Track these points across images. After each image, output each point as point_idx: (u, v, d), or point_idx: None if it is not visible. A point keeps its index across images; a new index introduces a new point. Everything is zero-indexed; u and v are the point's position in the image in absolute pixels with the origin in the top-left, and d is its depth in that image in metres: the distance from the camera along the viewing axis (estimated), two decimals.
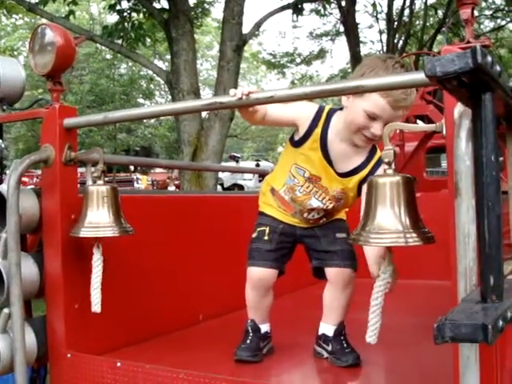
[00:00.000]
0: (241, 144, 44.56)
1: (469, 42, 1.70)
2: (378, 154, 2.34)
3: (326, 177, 2.35)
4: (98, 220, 2.28)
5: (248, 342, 2.45)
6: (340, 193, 2.38)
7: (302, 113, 2.34)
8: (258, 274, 2.44)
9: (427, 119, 6.07)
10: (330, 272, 2.42)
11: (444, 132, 1.71)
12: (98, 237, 2.30)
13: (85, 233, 2.27)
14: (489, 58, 0.97)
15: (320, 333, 2.46)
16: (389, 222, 1.70)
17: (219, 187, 19.00)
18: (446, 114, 1.66)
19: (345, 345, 2.39)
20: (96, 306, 2.29)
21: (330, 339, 2.41)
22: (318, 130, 2.32)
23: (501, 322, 1.03)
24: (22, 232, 2.38)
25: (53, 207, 2.42)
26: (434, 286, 3.12)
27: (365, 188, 2.13)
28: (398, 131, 5.84)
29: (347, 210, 2.53)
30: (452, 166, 1.54)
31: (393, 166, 1.76)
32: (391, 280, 1.87)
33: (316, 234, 2.46)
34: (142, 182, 23.56)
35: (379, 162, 2.30)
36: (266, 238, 2.47)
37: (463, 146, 1.47)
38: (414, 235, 1.69)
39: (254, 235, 2.50)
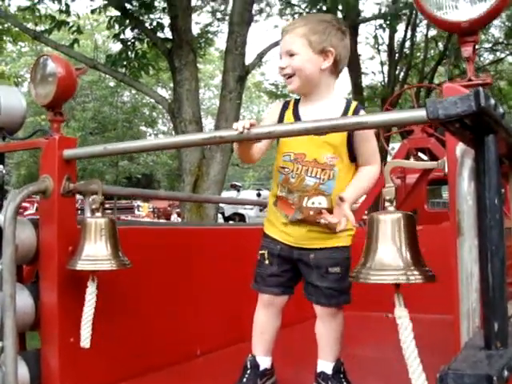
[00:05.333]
0: (242, 173, 44.60)
1: (470, 80, 1.69)
2: (354, 104, 2.42)
3: (310, 147, 2.35)
4: (96, 253, 2.25)
5: (245, 380, 2.41)
6: (331, 158, 2.34)
7: (274, 113, 2.47)
8: (266, 298, 2.46)
9: (429, 152, 6.06)
10: (317, 308, 2.41)
11: (446, 170, 1.69)
12: (96, 270, 2.27)
13: (82, 265, 2.24)
14: (492, 101, 0.96)
15: (319, 370, 2.42)
16: (390, 260, 1.69)
17: (220, 216, 18.98)
18: (447, 152, 1.65)
19: (344, 383, 2.35)
20: (85, 341, 2.24)
21: (329, 377, 2.37)
22: (289, 110, 2.45)
23: (506, 372, 0.99)
24: (19, 263, 2.34)
25: (50, 238, 2.39)
26: (435, 321, 3.08)
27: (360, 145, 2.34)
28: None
29: (352, 232, 2.45)
30: (454, 204, 1.52)
31: (394, 203, 1.74)
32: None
33: (310, 263, 2.40)
34: (143, 210, 23.55)
35: (357, 110, 2.39)
36: (266, 262, 2.47)
37: (465, 186, 1.45)
38: (416, 273, 1.68)
39: (258, 258, 2.51)
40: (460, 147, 1.54)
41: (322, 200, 2.36)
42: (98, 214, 2.31)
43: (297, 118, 2.41)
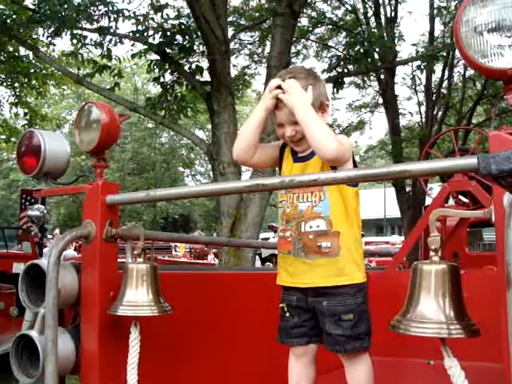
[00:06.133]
0: None
1: None
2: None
3: (293, 166, 2.49)
4: (137, 299, 2.26)
5: None
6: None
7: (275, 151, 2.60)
8: (295, 350, 2.46)
9: (469, 195, 5.98)
10: (338, 356, 2.41)
11: (493, 219, 1.66)
12: (137, 315, 2.28)
13: (123, 311, 2.25)
14: None
15: None
16: (432, 312, 1.66)
17: (257, 257, 18.93)
18: (494, 201, 1.62)
19: None
20: None
21: None
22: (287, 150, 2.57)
23: None
24: (60, 307, 2.36)
25: (92, 283, 2.41)
26: (481, 369, 3.00)
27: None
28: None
29: (363, 267, 2.44)
30: (502, 254, 1.49)
31: (439, 253, 1.71)
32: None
33: (323, 310, 2.38)
34: (180, 250, 23.58)
35: None
36: (287, 314, 2.48)
37: None
38: (458, 327, 1.64)
39: (279, 311, 2.52)
40: (507, 196, 1.51)
41: (320, 222, 2.37)
42: (140, 260, 2.33)
43: (294, 155, 2.52)
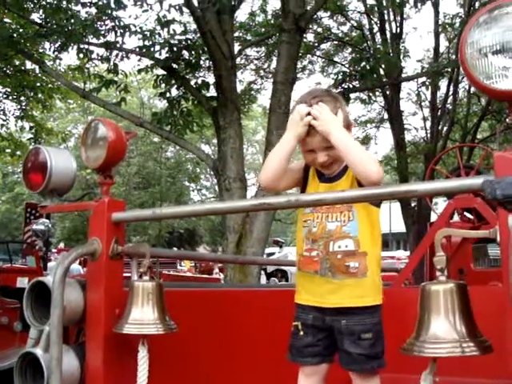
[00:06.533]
0: (284, 228, 44.53)
1: None
2: None
3: (319, 186, 2.44)
4: (143, 316, 2.26)
5: None
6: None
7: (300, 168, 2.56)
8: (306, 369, 2.42)
9: (475, 212, 5.97)
10: (351, 374, 2.38)
11: (498, 239, 1.66)
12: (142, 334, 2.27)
13: (128, 329, 2.26)
14: None
15: None
16: (444, 332, 1.66)
17: (262, 272, 18.89)
18: (499, 222, 1.62)
19: None
20: None
21: None
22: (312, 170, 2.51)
23: None
24: (65, 324, 2.36)
25: (97, 301, 2.41)
26: None
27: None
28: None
29: (381, 288, 2.43)
30: (507, 274, 1.49)
31: (445, 272, 1.72)
32: None
33: (341, 329, 2.36)
34: (185, 265, 23.57)
35: None
36: (301, 333, 2.43)
37: None
38: (471, 344, 1.65)
39: (292, 329, 2.47)
40: None
41: (349, 242, 2.35)
42: (146, 278, 2.33)
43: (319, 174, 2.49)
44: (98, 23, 10.26)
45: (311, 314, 2.42)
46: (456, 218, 6.81)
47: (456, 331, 1.64)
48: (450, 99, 18.74)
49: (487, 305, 2.38)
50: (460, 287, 1.71)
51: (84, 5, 10.42)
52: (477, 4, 16.02)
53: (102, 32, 10.30)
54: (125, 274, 2.55)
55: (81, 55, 10.53)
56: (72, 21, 9.97)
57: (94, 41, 10.50)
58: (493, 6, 1.68)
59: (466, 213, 6.57)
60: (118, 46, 10.45)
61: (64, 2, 10.17)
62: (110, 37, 10.34)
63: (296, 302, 2.50)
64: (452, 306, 1.67)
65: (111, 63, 10.67)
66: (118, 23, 10.28)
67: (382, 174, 2.28)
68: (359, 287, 2.35)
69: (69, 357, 2.39)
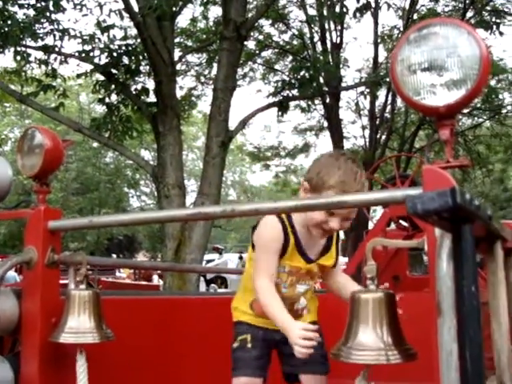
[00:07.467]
0: (224, 234, 44.53)
1: (448, 162, 1.74)
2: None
3: (304, 266, 2.44)
4: (79, 325, 2.25)
5: None
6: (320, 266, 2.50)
7: (276, 243, 2.37)
8: (244, 382, 2.38)
9: (409, 220, 6.14)
10: (304, 378, 2.43)
11: (426, 249, 1.73)
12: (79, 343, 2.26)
13: (64, 338, 2.24)
14: (467, 196, 1.00)
15: None
16: (370, 340, 1.71)
17: (202, 279, 18.85)
18: (427, 232, 1.69)
19: None
20: None
21: None
22: (291, 241, 2.38)
23: None
24: (0, 334, 2.33)
25: (33, 309, 2.38)
26: None
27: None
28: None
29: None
30: (434, 284, 1.55)
31: (375, 281, 1.77)
32: None
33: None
34: (124, 271, 23.33)
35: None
36: (249, 345, 2.43)
37: (444, 267, 1.48)
38: (396, 352, 1.70)
39: (236, 345, 2.46)
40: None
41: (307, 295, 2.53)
42: (82, 287, 2.32)
43: (300, 250, 2.41)
44: (36, 25, 10.09)
45: (261, 330, 2.46)
46: (393, 225, 6.98)
47: (382, 339, 1.70)
48: (388, 108, 19.15)
49: (419, 310, 2.45)
50: (388, 296, 1.77)
51: (22, 6, 10.22)
52: (415, 16, 16.47)
53: (41, 35, 10.15)
54: (64, 282, 2.53)
55: (18, 58, 10.32)
56: (9, 22, 9.77)
57: (32, 44, 10.33)
58: (422, 25, 1.74)
59: (401, 221, 6.75)
60: (57, 49, 10.32)
61: (0, 3, 9.96)
62: (49, 40, 10.21)
63: (241, 320, 2.51)
64: (380, 314, 1.73)
65: (50, 67, 10.51)
66: (56, 26, 10.15)
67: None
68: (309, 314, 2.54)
69: (3, 367, 2.35)
